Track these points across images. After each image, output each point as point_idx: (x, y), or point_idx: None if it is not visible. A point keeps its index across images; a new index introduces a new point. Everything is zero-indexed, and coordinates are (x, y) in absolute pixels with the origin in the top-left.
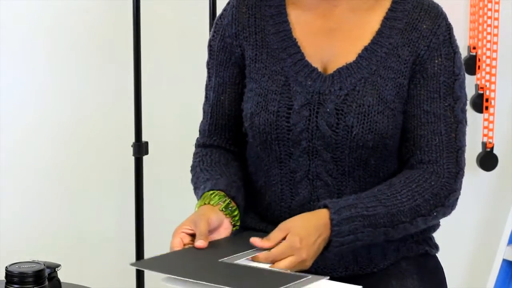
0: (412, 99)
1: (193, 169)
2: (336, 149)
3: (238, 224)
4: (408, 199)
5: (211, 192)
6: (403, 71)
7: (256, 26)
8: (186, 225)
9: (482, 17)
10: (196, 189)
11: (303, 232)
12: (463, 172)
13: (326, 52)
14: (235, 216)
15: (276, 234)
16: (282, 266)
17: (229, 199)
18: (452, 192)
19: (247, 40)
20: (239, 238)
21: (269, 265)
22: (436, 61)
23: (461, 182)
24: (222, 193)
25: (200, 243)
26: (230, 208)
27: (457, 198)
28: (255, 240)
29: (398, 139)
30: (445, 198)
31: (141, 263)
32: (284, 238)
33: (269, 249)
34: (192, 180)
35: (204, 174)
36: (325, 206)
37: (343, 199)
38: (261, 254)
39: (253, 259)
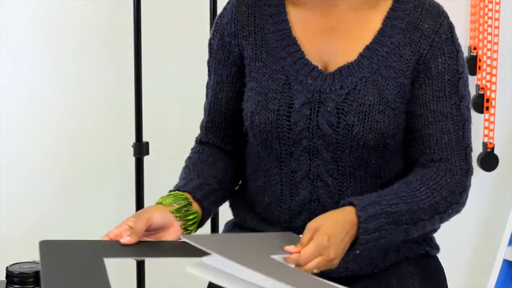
0: (417, 98)
1: (184, 163)
2: (336, 149)
3: (192, 228)
4: (427, 196)
5: (173, 193)
6: (405, 71)
7: (256, 25)
8: (131, 219)
9: (483, 18)
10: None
11: (331, 230)
12: (472, 169)
13: (326, 51)
14: (191, 219)
15: (305, 236)
16: (311, 266)
17: (186, 202)
18: (464, 189)
19: (247, 39)
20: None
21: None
22: (440, 60)
23: (471, 179)
24: (183, 196)
25: (125, 239)
26: (183, 212)
27: (467, 196)
28: (289, 249)
29: (400, 138)
30: (459, 195)
31: (192, 237)
32: (312, 238)
33: None
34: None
35: (184, 172)
36: (350, 203)
37: (366, 196)
38: (292, 256)
39: (286, 260)
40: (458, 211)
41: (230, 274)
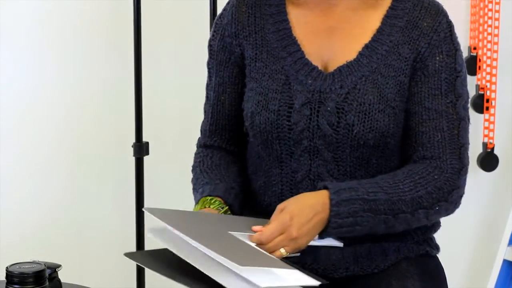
0: (413, 96)
1: (194, 169)
2: (337, 148)
3: None
4: (410, 189)
5: (210, 197)
6: (404, 69)
7: (256, 25)
8: None
9: (483, 18)
10: (194, 190)
11: (296, 210)
12: (467, 169)
13: (326, 51)
14: None
15: (273, 216)
16: (272, 245)
17: (227, 207)
18: (455, 188)
19: (247, 39)
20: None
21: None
22: (437, 58)
23: (465, 179)
24: (221, 200)
25: None
26: (228, 215)
27: (461, 196)
28: (255, 228)
29: (399, 137)
30: (448, 194)
31: (155, 210)
32: None
33: None
34: (192, 180)
35: (203, 177)
36: (325, 187)
37: (344, 182)
38: (255, 235)
39: (250, 239)
40: (447, 209)
41: (184, 244)
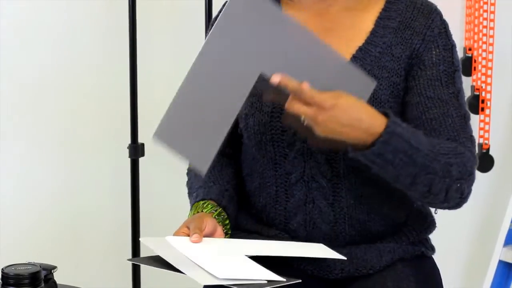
0: (411, 89)
1: (189, 172)
2: (330, 150)
3: (229, 232)
4: (446, 153)
5: (203, 201)
6: (397, 69)
7: None
8: (182, 229)
9: (478, 18)
10: (189, 194)
11: (350, 102)
12: (477, 161)
13: None
14: (227, 224)
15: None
16: (299, 107)
17: (220, 209)
18: (472, 173)
19: None
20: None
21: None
22: (434, 52)
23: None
24: (214, 203)
25: (194, 237)
26: (222, 217)
27: (471, 190)
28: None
29: None
30: (468, 175)
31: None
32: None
33: None
34: (187, 183)
35: (197, 180)
36: (385, 114)
37: (400, 120)
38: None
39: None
40: (462, 195)
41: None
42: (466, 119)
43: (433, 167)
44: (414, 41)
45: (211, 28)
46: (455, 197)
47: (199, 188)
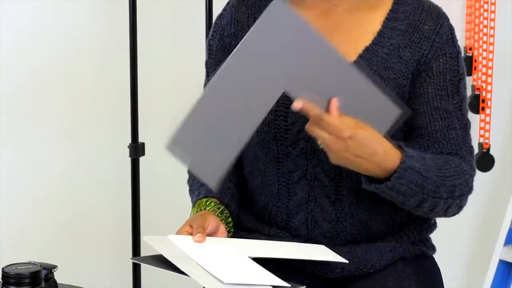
0: (419, 97)
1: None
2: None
3: (232, 230)
4: (450, 175)
5: (206, 199)
6: (404, 72)
7: None
8: (185, 228)
9: (478, 18)
10: (191, 192)
11: (368, 135)
12: (476, 173)
13: None
14: (229, 222)
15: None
16: (317, 130)
17: (223, 206)
18: (471, 186)
19: None
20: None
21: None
22: (441, 60)
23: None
24: (216, 201)
25: (197, 237)
26: (225, 215)
27: (467, 200)
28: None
29: (397, 139)
30: (468, 190)
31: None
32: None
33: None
34: (188, 181)
35: (197, 179)
36: (399, 147)
37: (412, 149)
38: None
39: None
40: (460, 207)
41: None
42: (467, 128)
43: (439, 192)
44: (422, 46)
45: (244, 37)
46: (454, 211)
47: (201, 186)
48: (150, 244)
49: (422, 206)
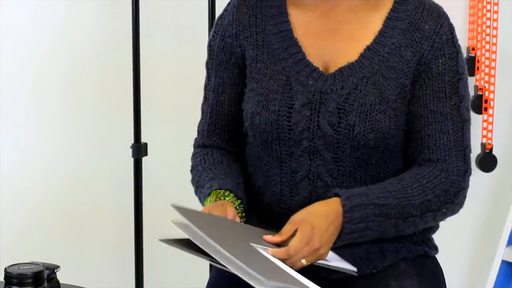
0: (418, 99)
1: (194, 168)
2: (337, 149)
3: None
4: (419, 193)
5: (223, 190)
6: (406, 71)
7: (257, 26)
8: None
9: (481, 18)
10: (199, 187)
11: (315, 220)
12: (471, 170)
13: (327, 52)
14: (244, 217)
15: (287, 227)
16: (299, 257)
17: (239, 200)
18: (461, 190)
19: (248, 40)
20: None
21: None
22: (440, 61)
23: (469, 180)
24: (231, 194)
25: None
26: (241, 208)
27: (465, 196)
28: (267, 238)
29: (400, 139)
30: (454, 196)
31: (182, 210)
32: (296, 231)
33: (280, 245)
34: (193, 179)
35: (207, 173)
36: (336, 195)
37: (354, 189)
38: (280, 250)
39: (272, 254)
40: (453, 211)
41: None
42: (464, 129)
43: (408, 212)
44: (423, 45)
45: None
46: (447, 216)
47: (211, 179)
48: (181, 221)
49: (401, 230)
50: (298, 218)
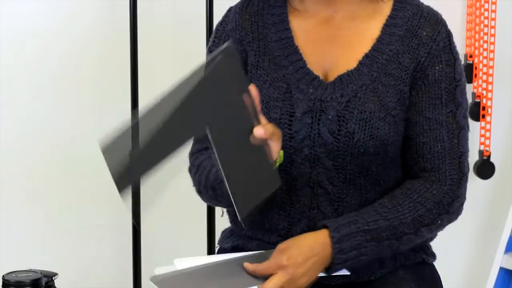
0: (414, 106)
1: (194, 166)
2: (337, 156)
3: None
4: (410, 210)
5: None
6: (404, 78)
7: (259, 33)
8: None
9: (479, 25)
10: (205, 172)
11: (294, 251)
12: (467, 177)
13: (327, 60)
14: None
15: (273, 255)
16: (270, 285)
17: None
18: (455, 198)
19: (250, 45)
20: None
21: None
22: (437, 68)
23: (465, 187)
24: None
25: (259, 131)
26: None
27: (462, 204)
28: (246, 265)
29: (399, 146)
30: (448, 205)
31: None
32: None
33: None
34: (195, 175)
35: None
36: (324, 226)
37: (343, 217)
38: (252, 265)
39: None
40: (450, 220)
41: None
42: (460, 137)
43: (401, 231)
44: (420, 52)
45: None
46: (444, 226)
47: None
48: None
49: (397, 249)
50: (283, 246)
